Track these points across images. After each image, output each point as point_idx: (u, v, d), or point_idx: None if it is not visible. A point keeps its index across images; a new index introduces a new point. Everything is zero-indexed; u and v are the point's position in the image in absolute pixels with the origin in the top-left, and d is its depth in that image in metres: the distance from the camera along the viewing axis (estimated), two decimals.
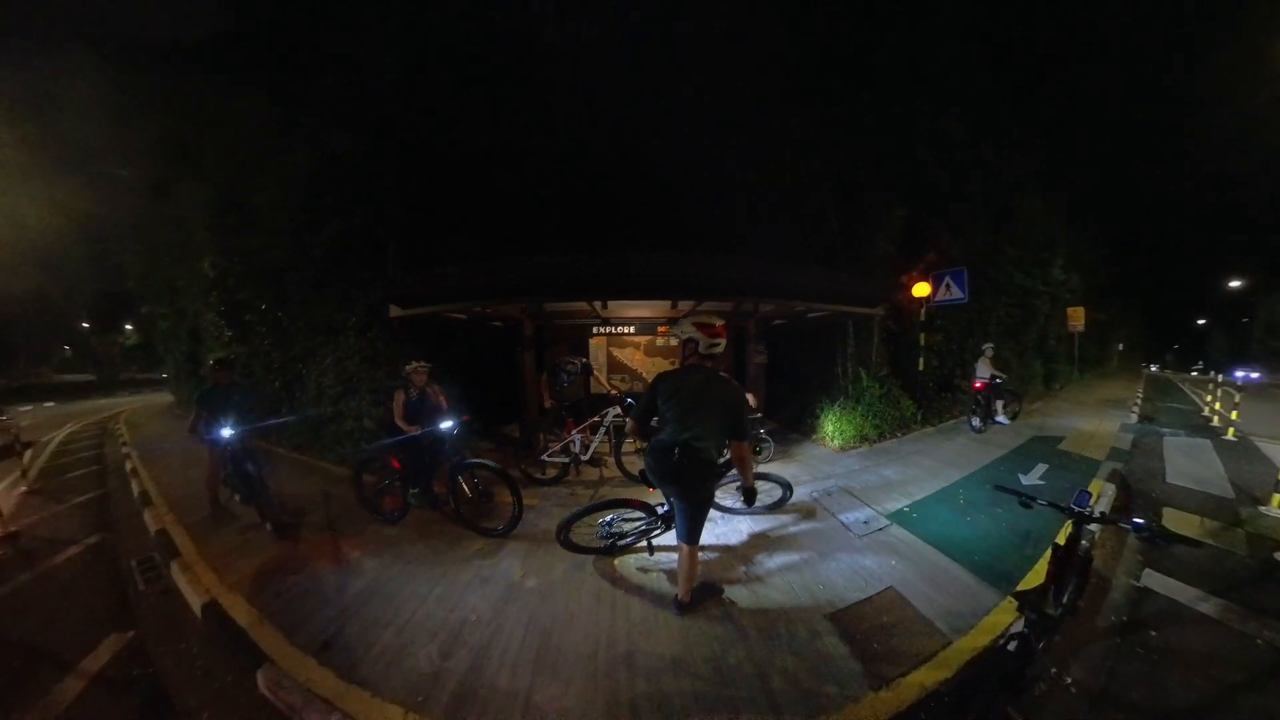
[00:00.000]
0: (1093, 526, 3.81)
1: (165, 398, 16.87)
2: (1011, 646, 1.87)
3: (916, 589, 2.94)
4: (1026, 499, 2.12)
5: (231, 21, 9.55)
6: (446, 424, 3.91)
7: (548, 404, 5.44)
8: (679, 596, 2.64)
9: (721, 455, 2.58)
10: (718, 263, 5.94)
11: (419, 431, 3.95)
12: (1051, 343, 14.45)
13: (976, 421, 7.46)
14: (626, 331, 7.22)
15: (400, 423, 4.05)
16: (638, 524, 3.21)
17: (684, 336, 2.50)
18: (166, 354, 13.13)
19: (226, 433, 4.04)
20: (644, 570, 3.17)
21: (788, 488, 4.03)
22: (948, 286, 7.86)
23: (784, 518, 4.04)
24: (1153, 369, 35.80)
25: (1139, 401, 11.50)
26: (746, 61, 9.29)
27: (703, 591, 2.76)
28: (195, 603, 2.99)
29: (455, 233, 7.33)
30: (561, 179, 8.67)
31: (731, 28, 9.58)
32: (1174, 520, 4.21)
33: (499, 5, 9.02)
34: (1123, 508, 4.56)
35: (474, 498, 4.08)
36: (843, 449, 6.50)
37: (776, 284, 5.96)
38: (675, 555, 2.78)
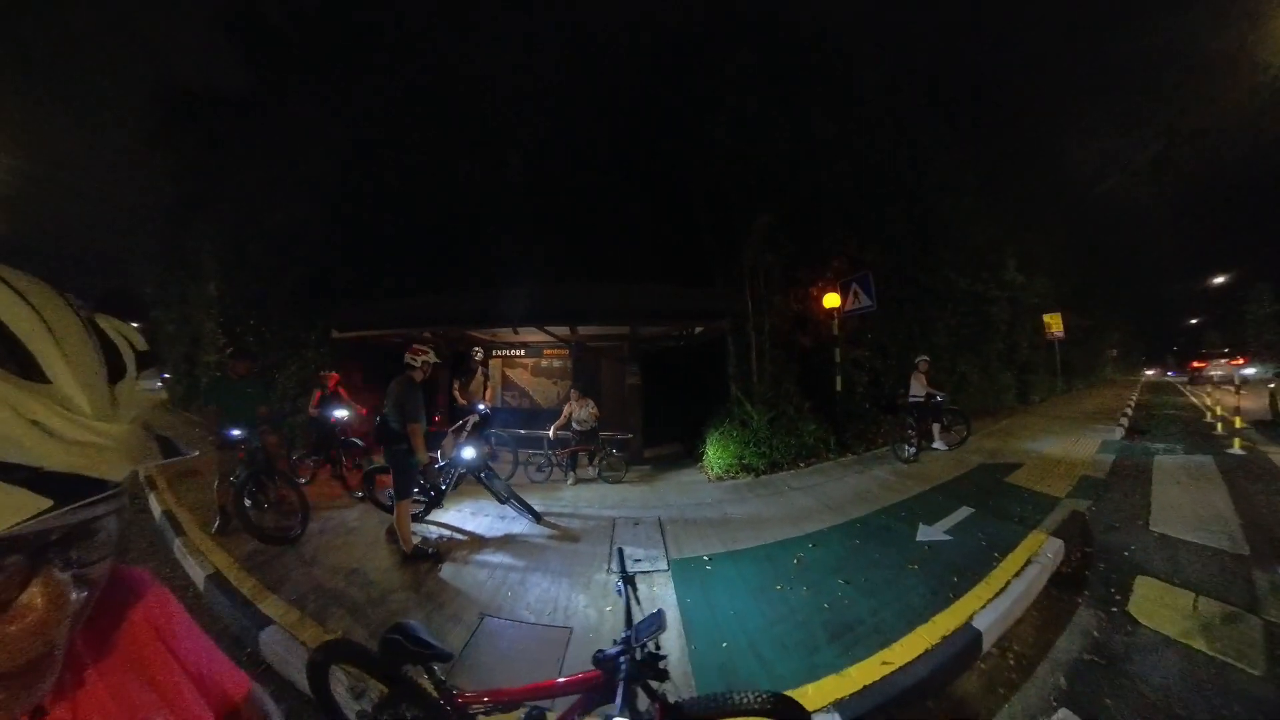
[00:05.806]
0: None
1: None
2: None
3: (598, 640, 2.37)
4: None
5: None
6: (339, 413, 5.33)
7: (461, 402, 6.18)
8: (402, 546, 3.41)
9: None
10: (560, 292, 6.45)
11: (318, 415, 5.41)
12: (1025, 352, 13.04)
13: (909, 450, 5.93)
14: (517, 354, 8.03)
15: (312, 410, 5.48)
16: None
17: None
18: (167, 355, 15.62)
19: (237, 432, 3.87)
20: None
21: (534, 514, 4.23)
22: (856, 294, 6.64)
23: (549, 532, 4.03)
24: (1170, 375, 33.73)
25: (1129, 411, 9.94)
26: (624, 103, 9.72)
27: (430, 555, 3.40)
28: None
29: (386, 274, 9.18)
30: (469, 235, 9.99)
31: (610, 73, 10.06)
32: (1150, 601, 2.70)
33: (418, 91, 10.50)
34: (1076, 577, 3.04)
35: (350, 467, 5.37)
36: (719, 479, 5.43)
37: (635, 309, 6.05)
38: (437, 530, 4.00)
